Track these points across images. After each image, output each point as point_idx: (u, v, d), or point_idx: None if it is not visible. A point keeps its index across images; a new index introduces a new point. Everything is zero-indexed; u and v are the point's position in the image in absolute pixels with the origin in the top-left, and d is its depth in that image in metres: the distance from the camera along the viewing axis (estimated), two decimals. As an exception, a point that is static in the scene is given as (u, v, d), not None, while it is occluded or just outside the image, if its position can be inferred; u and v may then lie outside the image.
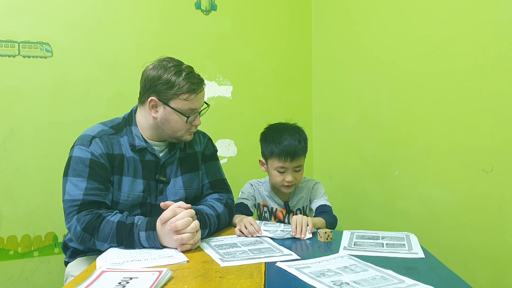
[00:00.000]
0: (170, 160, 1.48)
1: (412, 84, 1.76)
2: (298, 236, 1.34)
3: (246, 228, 1.36)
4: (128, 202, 1.39)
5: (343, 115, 2.18)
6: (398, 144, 1.85)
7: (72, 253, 1.49)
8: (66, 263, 1.52)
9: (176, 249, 1.23)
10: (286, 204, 1.67)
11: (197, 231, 1.25)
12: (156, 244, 1.25)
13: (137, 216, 1.33)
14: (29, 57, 1.84)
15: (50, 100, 1.87)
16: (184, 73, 1.38)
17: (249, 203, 1.65)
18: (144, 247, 1.26)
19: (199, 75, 1.43)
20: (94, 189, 1.33)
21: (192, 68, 1.44)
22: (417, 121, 1.75)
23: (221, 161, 2.17)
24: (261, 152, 1.66)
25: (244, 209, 1.61)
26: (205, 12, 2.16)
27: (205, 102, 1.47)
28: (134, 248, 1.26)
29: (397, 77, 1.84)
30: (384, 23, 1.91)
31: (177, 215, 1.23)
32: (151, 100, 1.39)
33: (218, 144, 2.19)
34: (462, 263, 1.54)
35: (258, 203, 1.70)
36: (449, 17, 1.59)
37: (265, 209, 1.69)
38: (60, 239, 1.87)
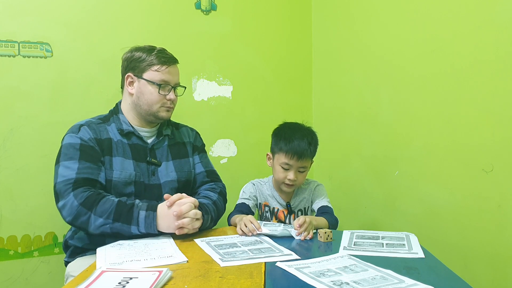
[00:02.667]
0: (158, 145, 1.57)
1: (412, 84, 1.76)
2: (299, 232, 1.34)
3: (246, 227, 1.36)
4: (121, 179, 1.45)
5: (343, 115, 2.18)
6: (398, 144, 1.85)
7: (72, 252, 1.50)
8: (66, 263, 1.52)
9: (167, 238, 1.31)
10: (288, 205, 1.67)
11: (197, 219, 1.34)
12: (153, 225, 1.31)
13: (137, 200, 1.40)
14: (29, 57, 1.84)
15: (50, 100, 1.87)
16: (156, 50, 1.52)
17: (251, 203, 1.65)
18: (138, 225, 1.31)
19: (172, 54, 1.56)
20: (87, 168, 1.39)
21: (165, 49, 1.56)
22: (417, 121, 1.74)
23: (221, 161, 2.20)
24: (271, 146, 1.68)
25: (245, 209, 1.62)
26: (205, 12, 2.16)
27: (182, 86, 1.58)
28: (130, 225, 1.31)
29: (397, 77, 1.84)
30: (384, 23, 1.91)
31: (183, 199, 1.34)
32: (128, 76, 1.52)
33: (218, 144, 2.19)
34: (462, 263, 1.54)
35: (260, 203, 1.70)
36: (449, 16, 1.59)
37: (267, 209, 1.69)
38: (60, 239, 1.87)
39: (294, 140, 1.57)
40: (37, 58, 1.85)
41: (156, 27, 2.05)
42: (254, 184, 1.72)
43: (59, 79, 1.88)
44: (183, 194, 1.37)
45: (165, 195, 1.35)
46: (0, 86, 1.80)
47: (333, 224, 1.53)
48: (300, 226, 1.34)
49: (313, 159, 1.66)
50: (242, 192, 1.70)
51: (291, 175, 1.58)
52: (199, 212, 1.35)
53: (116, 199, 1.35)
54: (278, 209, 1.68)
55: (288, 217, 1.67)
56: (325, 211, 1.59)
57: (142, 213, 1.32)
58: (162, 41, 2.03)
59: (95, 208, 1.32)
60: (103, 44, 1.95)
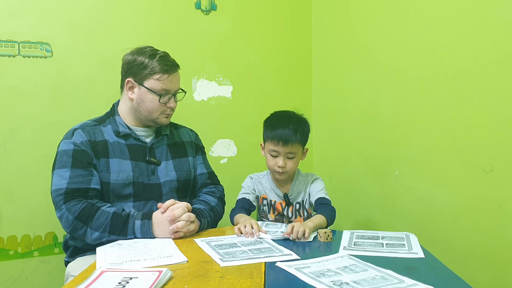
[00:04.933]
0: (157, 145, 1.56)
1: (412, 84, 1.76)
2: (294, 237, 1.32)
3: (245, 227, 1.36)
4: (119, 181, 1.45)
5: (343, 115, 2.18)
6: (398, 144, 1.85)
7: (72, 252, 1.50)
8: (66, 263, 1.52)
9: (167, 238, 1.32)
10: (285, 196, 1.67)
11: (191, 222, 1.36)
12: (149, 232, 1.33)
13: (132, 210, 1.41)
14: (29, 57, 1.84)
15: (50, 100, 1.87)
16: (158, 56, 1.48)
17: (251, 197, 1.66)
18: (135, 235, 1.33)
19: (174, 60, 1.52)
20: (78, 177, 1.38)
21: (168, 53, 1.53)
22: (417, 121, 1.74)
23: (221, 161, 2.20)
24: (262, 135, 1.70)
25: (246, 204, 1.62)
26: (205, 12, 2.16)
27: (182, 89, 1.56)
28: (126, 236, 1.33)
29: (397, 77, 1.84)
30: (384, 23, 1.91)
31: (176, 204, 1.36)
32: (128, 81, 1.50)
33: (218, 144, 2.19)
34: (462, 263, 1.54)
35: (258, 196, 1.70)
36: (449, 17, 1.59)
37: (265, 202, 1.70)
38: (60, 239, 1.87)
39: (280, 127, 1.59)
40: (37, 58, 1.85)
41: (156, 27, 2.05)
42: (252, 178, 1.73)
43: (59, 79, 1.88)
44: (176, 200, 1.40)
45: (158, 204, 1.38)
46: (0, 86, 1.80)
47: (330, 215, 1.51)
48: (293, 238, 1.33)
49: (306, 147, 1.66)
50: (242, 187, 1.71)
51: (280, 161, 1.59)
52: (192, 215, 1.38)
53: (112, 211, 1.36)
54: (275, 201, 1.68)
55: (286, 209, 1.67)
56: (322, 202, 1.60)
57: (138, 222, 1.35)
58: (162, 41, 2.03)
59: (90, 223, 1.33)
60: (103, 44, 1.95)
